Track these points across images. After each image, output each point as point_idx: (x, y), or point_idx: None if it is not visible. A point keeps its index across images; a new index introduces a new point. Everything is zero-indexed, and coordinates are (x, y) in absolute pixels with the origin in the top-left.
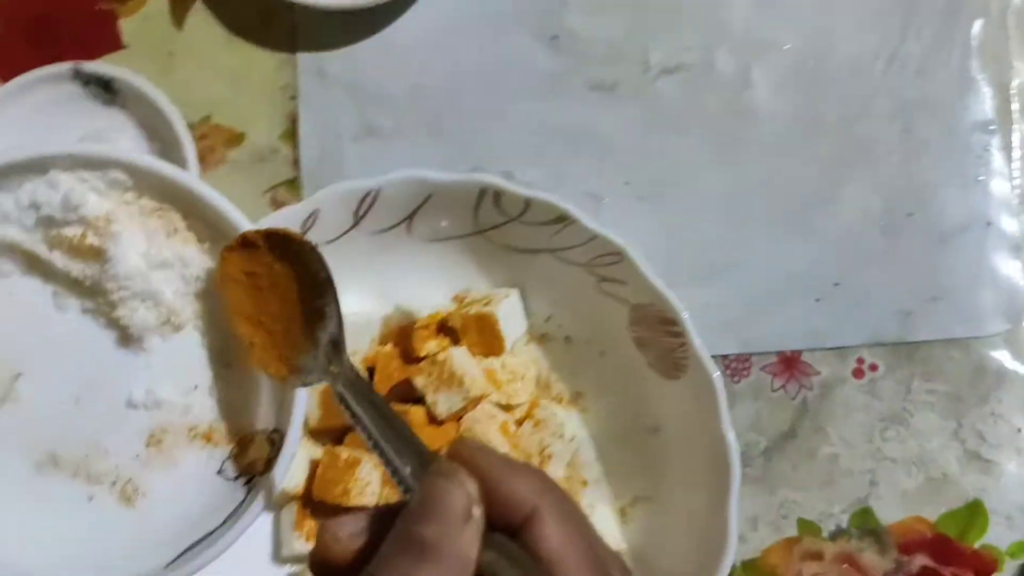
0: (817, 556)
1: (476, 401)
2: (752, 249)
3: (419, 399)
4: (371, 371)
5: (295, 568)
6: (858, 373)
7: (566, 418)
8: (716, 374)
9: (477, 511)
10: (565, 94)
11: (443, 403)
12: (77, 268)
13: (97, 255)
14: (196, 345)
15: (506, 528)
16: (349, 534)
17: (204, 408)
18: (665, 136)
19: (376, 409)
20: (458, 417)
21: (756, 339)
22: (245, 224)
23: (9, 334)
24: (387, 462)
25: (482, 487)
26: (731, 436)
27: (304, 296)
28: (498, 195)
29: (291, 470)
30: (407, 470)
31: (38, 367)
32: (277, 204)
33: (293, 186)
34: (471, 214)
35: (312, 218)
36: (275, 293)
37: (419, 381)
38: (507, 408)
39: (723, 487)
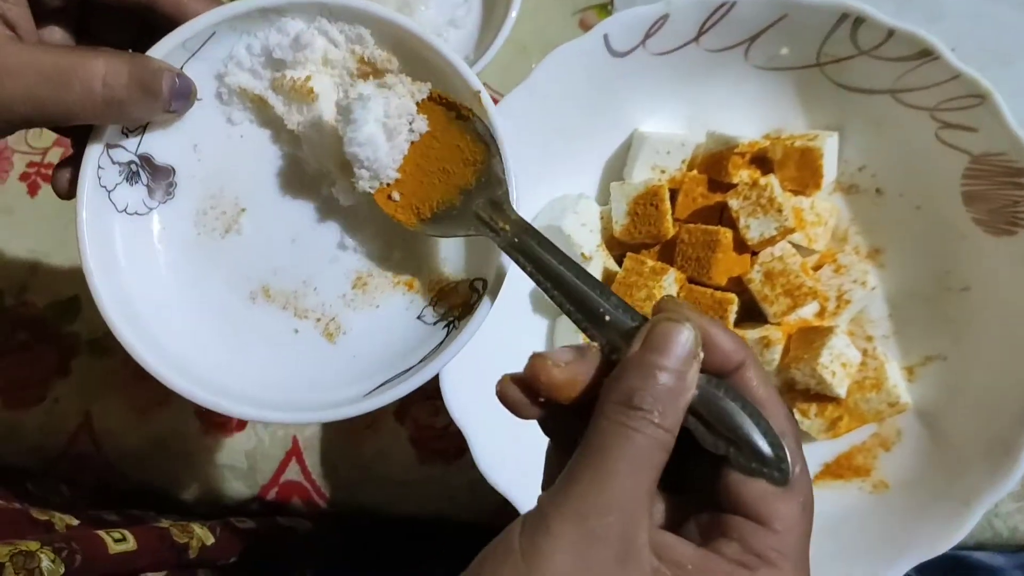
0: None
1: (786, 233)
2: None
3: (723, 225)
4: (674, 193)
5: None
6: None
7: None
8: None
9: (701, 353)
10: None
11: (755, 228)
12: (298, 117)
13: (314, 99)
14: None
15: (715, 373)
16: (566, 362)
17: (409, 256)
18: (1005, 8)
19: (566, 261)
20: (765, 246)
21: None
22: (478, 85)
23: (238, 172)
24: (577, 309)
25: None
26: None
27: (467, 158)
28: (858, 22)
29: None
30: (606, 317)
31: (262, 205)
32: (586, 27)
33: (603, 11)
34: (817, 43)
35: (660, 23)
36: (435, 148)
37: (733, 204)
38: (803, 251)
39: None
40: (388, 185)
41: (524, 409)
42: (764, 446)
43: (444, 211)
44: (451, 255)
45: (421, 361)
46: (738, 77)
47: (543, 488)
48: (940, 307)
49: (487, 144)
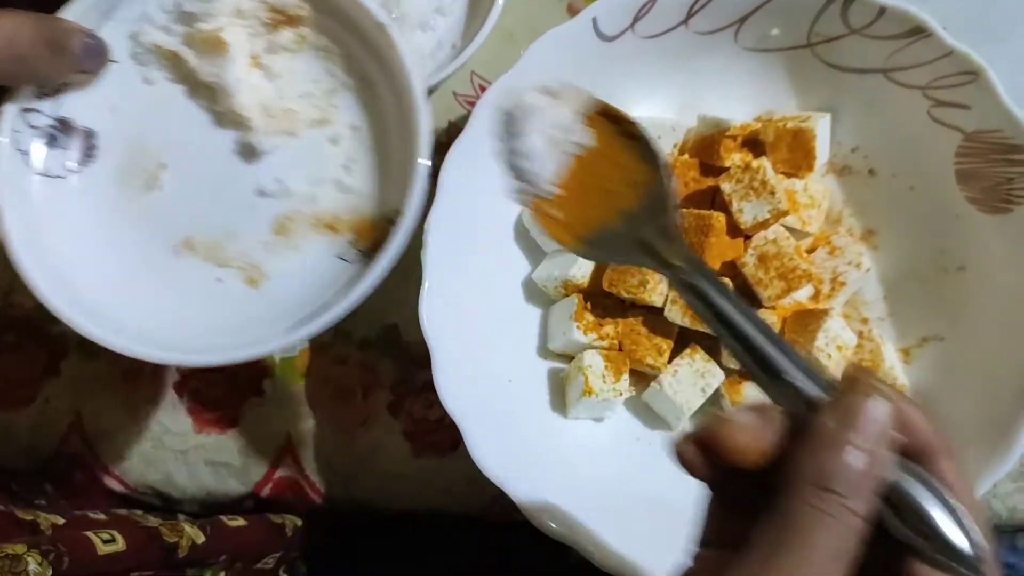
0: None
1: (779, 216)
2: None
3: (716, 209)
4: None
5: (558, 363)
6: None
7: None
8: None
9: (896, 434)
10: None
11: (748, 212)
12: (211, 69)
13: (226, 49)
14: (322, 142)
15: (903, 454)
16: (750, 426)
17: (329, 198)
18: None
19: (746, 311)
20: (758, 229)
21: None
22: (384, 18)
23: (158, 130)
24: (757, 364)
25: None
26: None
27: (632, 179)
28: (849, 0)
29: (579, 264)
30: (790, 379)
31: (182, 160)
32: (574, 12)
33: None
34: (808, 22)
35: (648, 5)
36: (597, 164)
37: (726, 187)
38: (796, 234)
39: None
40: (546, 200)
41: (700, 470)
42: (960, 543)
43: (603, 233)
44: (368, 192)
45: (340, 293)
46: (728, 59)
47: (699, 544)
48: (935, 288)
49: (655, 166)
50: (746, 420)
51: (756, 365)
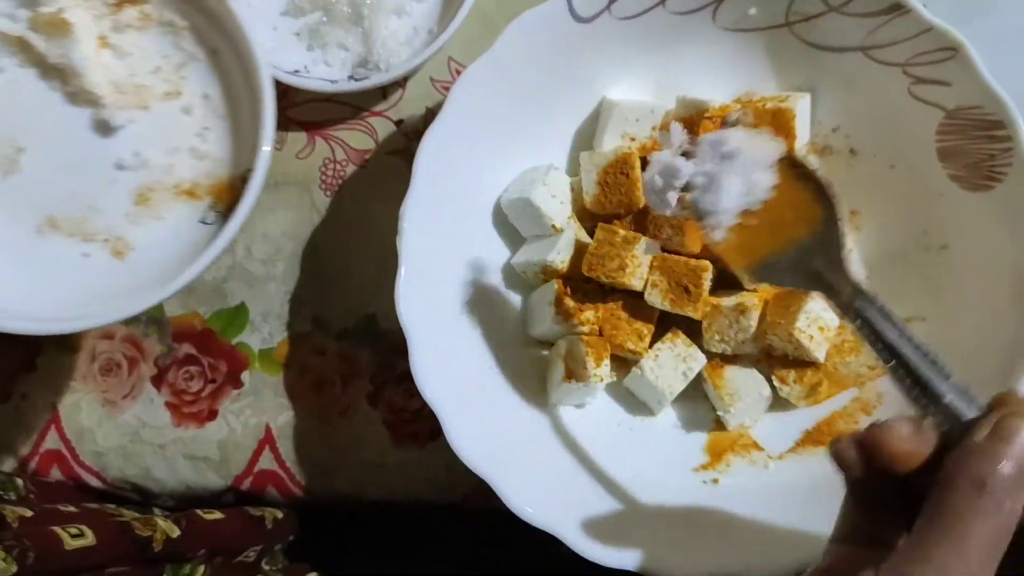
0: None
1: None
2: None
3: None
4: (645, 160)
5: (538, 350)
6: None
7: None
8: None
9: None
10: None
11: None
12: (58, 50)
13: (70, 30)
14: (176, 113)
15: None
16: (909, 436)
17: (186, 166)
18: None
19: (905, 335)
20: None
21: None
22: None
23: (13, 115)
24: (914, 384)
25: None
26: None
27: (803, 215)
28: None
29: (558, 249)
30: (944, 399)
31: (39, 142)
32: None
33: None
34: (786, 1)
35: None
36: (774, 200)
37: None
38: None
39: None
40: (728, 228)
41: (855, 470)
42: None
43: (773, 261)
44: (224, 156)
45: (200, 253)
46: (706, 40)
47: (835, 539)
48: (918, 267)
49: (829, 206)
50: (905, 429)
51: (916, 388)
